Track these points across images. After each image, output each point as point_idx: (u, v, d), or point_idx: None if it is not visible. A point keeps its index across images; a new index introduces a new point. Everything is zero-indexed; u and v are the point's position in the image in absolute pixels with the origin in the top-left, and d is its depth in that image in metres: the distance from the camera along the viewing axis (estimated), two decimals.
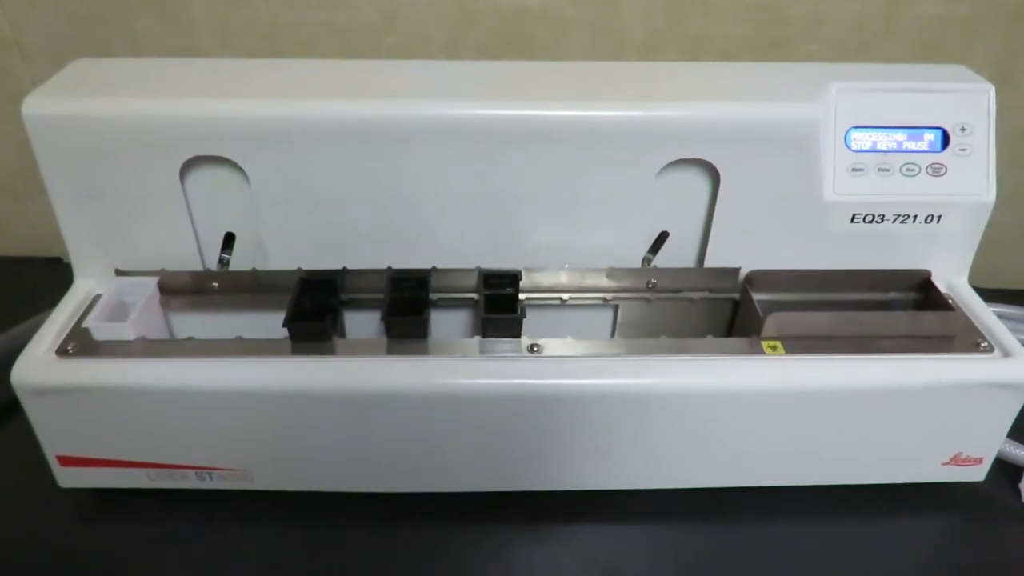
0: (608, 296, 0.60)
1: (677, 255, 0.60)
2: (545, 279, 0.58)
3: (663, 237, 0.58)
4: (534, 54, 0.74)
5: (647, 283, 0.59)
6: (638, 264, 0.59)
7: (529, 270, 0.58)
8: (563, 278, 0.58)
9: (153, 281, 0.57)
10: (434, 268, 0.57)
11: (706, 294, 0.60)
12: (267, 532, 0.57)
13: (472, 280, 0.58)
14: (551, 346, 0.53)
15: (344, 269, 0.57)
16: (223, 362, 0.52)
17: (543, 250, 0.58)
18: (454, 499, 0.58)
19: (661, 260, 0.60)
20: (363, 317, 0.60)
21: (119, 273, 0.56)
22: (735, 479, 0.58)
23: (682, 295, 0.61)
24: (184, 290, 0.57)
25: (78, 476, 0.56)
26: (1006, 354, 0.54)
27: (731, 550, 0.57)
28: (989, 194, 0.55)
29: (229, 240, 0.58)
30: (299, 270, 0.57)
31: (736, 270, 0.58)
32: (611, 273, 0.58)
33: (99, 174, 0.53)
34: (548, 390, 0.52)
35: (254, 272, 0.57)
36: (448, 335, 0.60)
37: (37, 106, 0.51)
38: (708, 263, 0.60)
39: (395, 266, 0.57)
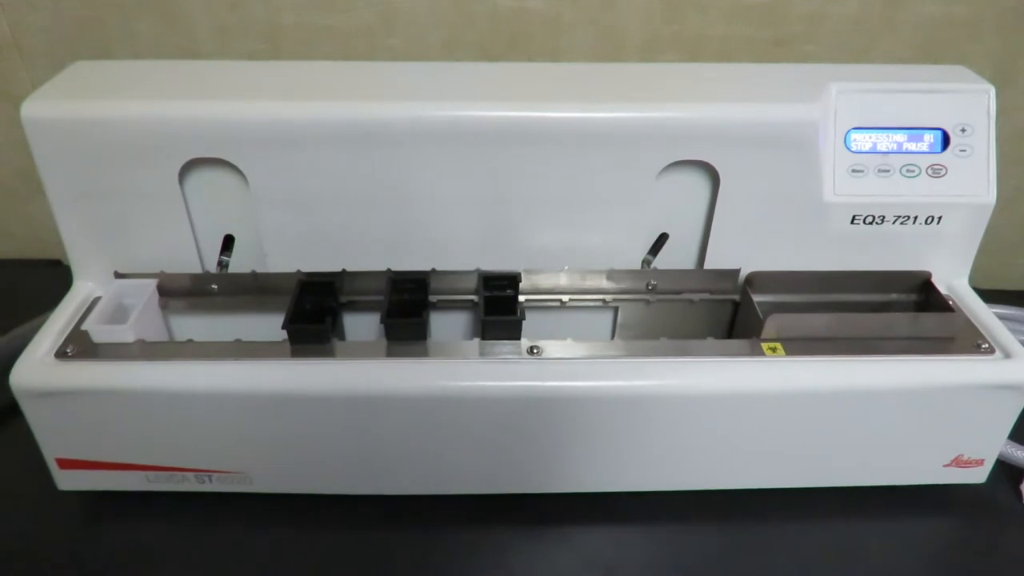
0: (608, 298, 0.60)
1: (677, 256, 0.60)
2: (544, 281, 0.58)
3: (663, 239, 0.58)
4: (533, 55, 0.74)
5: (647, 285, 0.59)
6: (638, 265, 0.59)
7: (529, 272, 0.58)
8: (563, 280, 0.58)
9: (152, 283, 0.57)
10: (433, 270, 0.57)
11: (706, 296, 0.60)
12: (267, 534, 0.57)
13: (471, 282, 0.58)
14: (551, 348, 0.53)
15: (343, 272, 0.57)
16: (222, 364, 0.52)
17: (543, 252, 0.58)
18: (454, 501, 0.58)
19: (661, 261, 0.60)
20: (362, 319, 0.59)
21: (118, 275, 0.56)
22: (736, 481, 0.58)
23: (682, 296, 0.61)
24: (183, 292, 0.57)
25: (77, 479, 0.56)
26: (1007, 355, 0.53)
27: (732, 552, 0.57)
28: (990, 195, 0.55)
29: (228, 242, 0.58)
30: (298, 272, 0.57)
31: (736, 271, 0.58)
32: (611, 275, 0.58)
33: (98, 176, 0.53)
34: (548, 392, 0.52)
35: (254, 275, 0.57)
36: (448, 337, 0.60)
37: (36, 109, 0.51)
38: (708, 264, 0.60)
39: (395, 268, 0.57)
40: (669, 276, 0.59)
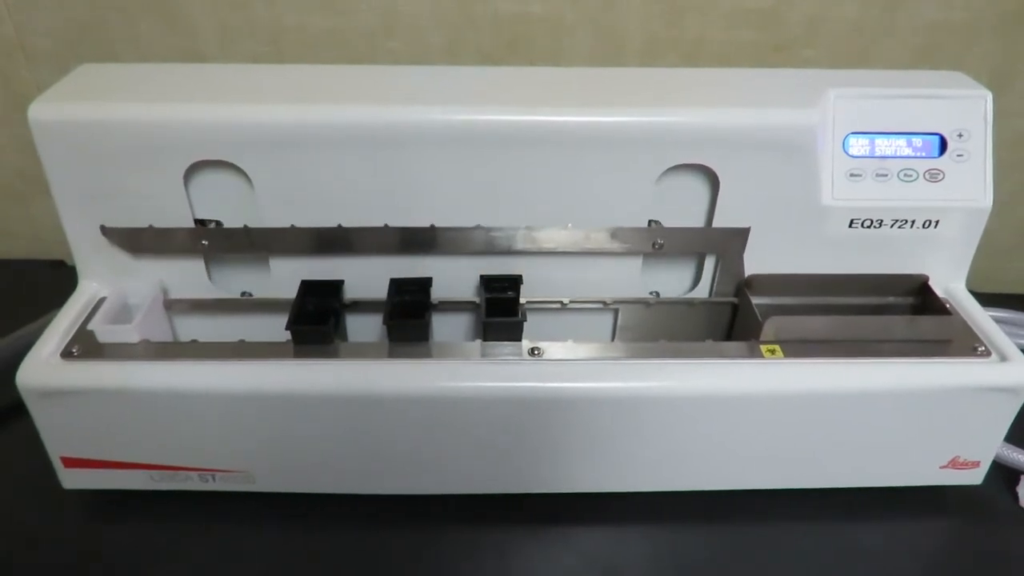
0: (608, 300, 0.60)
1: (678, 257, 0.61)
2: (547, 239, 0.57)
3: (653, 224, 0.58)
4: (534, 59, 0.75)
5: (653, 243, 0.57)
6: (638, 272, 0.60)
7: (530, 229, 0.56)
8: (566, 237, 0.57)
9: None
10: (433, 226, 0.56)
11: (707, 298, 0.61)
12: (269, 534, 0.57)
13: (472, 236, 0.57)
14: (551, 349, 0.54)
15: (338, 224, 0.56)
16: (226, 365, 0.52)
17: (544, 254, 0.58)
18: (455, 501, 0.58)
19: (660, 259, 0.60)
20: (365, 320, 0.60)
21: (104, 230, 0.55)
22: (734, 482, 0.59)
23: (682, 299, 0.61)
24: (173, 249, 0.56)
25: (82, 478, 0.56)
26: (1003, 358, 0.54)
27: (730, 552, 0.57)
28: (986, 199, 0.56)
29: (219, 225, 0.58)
30: (292, 227, 0.56)
31: (746, 230, 0.57)
32: (616, 233, 0.57)
33: (104, 178, 0.53)
34: (548, 393, 0.52)
35: (246, 230, 0.56)
36: (449, 338, 0.61)
37: (43, 111, 0.51)
38: (707, 266, 0.60)
39: (398, 268, 0.58)
40: (677, 234, 0.57)
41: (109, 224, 0.55)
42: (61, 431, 0.53)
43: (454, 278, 0.58)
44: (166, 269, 0.58)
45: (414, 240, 0.57)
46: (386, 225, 0.56)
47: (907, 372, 0.53)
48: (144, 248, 0.57)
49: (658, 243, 0.57)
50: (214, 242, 0.56)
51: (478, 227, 0.56)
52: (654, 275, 0.61)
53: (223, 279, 0.60)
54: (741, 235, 0.57)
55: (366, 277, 0.58)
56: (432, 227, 0.56)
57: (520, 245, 0.57)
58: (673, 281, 0.62)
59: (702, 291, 0.61)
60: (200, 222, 0.56)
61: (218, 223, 0.57)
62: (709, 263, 0.60)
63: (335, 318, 0.55)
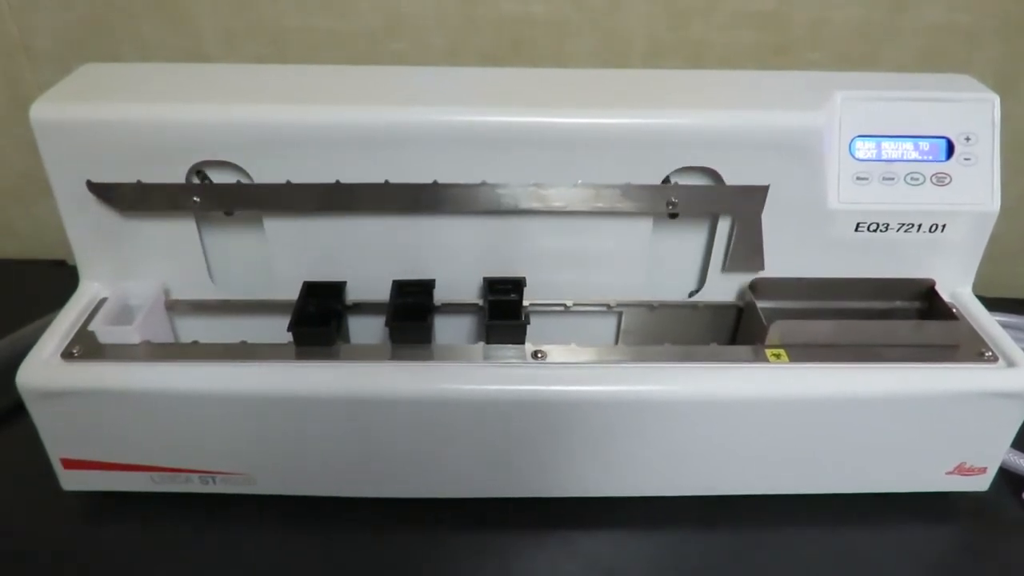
0: (612, 303, 0.60)
1: (680, 260, 0.61)
2: (556, 196, 0.55)
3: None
4: (537, 60, 0.75)
5: (667, 203, 0.55)
6: (642, 277, 0.59)
7: (538, 186, 0.54)
8: (576, 195, 0.55)
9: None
10: (436, 182, 0.54)
11: (714, 302, 0.60)
12: (270, 537, 0.57)
13: (477, 193, 0.54)
14: (555, 353, 0.54)
15: (336, 180, 0.54)
16: (227, 366, 0.52)
17: (547, 257, 0.58)
18: (457, 505, 0.58)
19: (663, 265, 0.60)
20: (367, 322, 0.60)
21: (91, 185, 0.53)
22: (739, 486, 0.58)
23: (686, 302, 0.61)
24: (162, 206, 0.54)
25: (81, 479, 0.56)
26: (1010, 364, 0.54)
27: (734, 557, 0.57)
28: (994, 203, 0.55)
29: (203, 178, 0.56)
30: (287, 183, 0.54)
31: (765, 188, 0.55)
32: (627, 191, 0.55)
33: (106, 178, 0.53)
34: (552, 396, 0.52)
35: (239, 185, 0.54)
36: (452, 341, 0.61)
37: (45, 111, 0.51)
38: (712, 270, 0.60)
39: (400, 270, 0.57)
40: (692, 193, 0.55)
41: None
42: (61, 432, 0.53)
43: (457, 279, 0.58)
44: (167, 269, 0.58)
45: (416, 197, 0.54)
46: (387, 181, 0.54)
47: (913, 377, 0.53)
48: (132, 205, 0.54)
49: (672, 202, 0.55)
50: (206, 199, 0.54)
51: (483, 183, 0.54)
52: (659, 274, 0.60)
53: (224, 279, 0.60)
54: (759, 193, 0.55)
55: (369, 279, 0.58)
56: (435, 183, 0.54)
57: (527, 204, 0.55)
58: (677, 283, 0.62)
59: (707, 293, 0.61)
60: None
61: (209, 179, 0.55)
62: (716, 260, 0.59)
63: (337, 320, 0.55)
